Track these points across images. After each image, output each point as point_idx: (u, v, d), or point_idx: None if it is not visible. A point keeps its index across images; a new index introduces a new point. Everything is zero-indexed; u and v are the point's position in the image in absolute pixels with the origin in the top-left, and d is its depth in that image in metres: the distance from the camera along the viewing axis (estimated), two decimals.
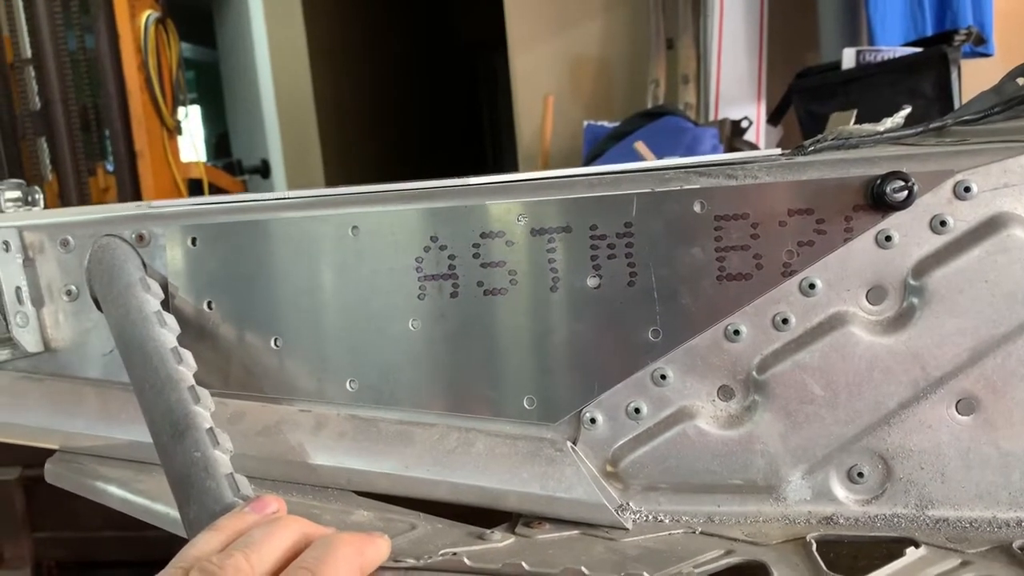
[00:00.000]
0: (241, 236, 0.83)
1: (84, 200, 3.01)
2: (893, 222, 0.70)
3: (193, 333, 0.84)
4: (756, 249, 0.72)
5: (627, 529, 0.75)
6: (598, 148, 2.78)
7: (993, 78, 0.90)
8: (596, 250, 0.75)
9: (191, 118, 3.86)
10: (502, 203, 0.77)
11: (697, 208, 0.73)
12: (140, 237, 0.85)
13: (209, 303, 0.84)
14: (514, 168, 3.87)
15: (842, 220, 0.71)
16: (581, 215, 0.75)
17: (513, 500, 0.77)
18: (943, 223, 0.69)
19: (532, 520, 0.77)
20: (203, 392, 0.72)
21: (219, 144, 5.51)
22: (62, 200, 2.99)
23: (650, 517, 0.76)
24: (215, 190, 3.54)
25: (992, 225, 0.68)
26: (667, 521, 0.76)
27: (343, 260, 0.81)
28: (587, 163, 2.79)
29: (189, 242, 0.84)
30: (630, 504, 0.77)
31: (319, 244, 0.81)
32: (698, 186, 0.73)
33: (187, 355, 0.75)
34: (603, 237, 0.75)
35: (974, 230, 0.69)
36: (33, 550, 2.25)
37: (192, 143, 3.54)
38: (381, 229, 0.80)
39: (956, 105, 2.03)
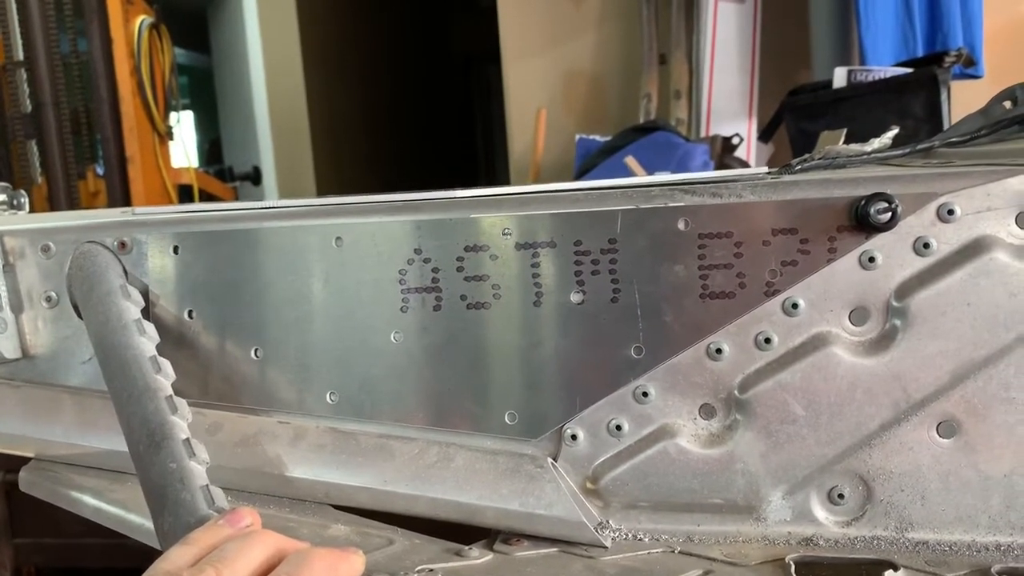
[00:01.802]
0: (223, 245, 0.83)
1: (73, 204, 3.00)
2: (877, 243, 0.70)
3: (173, 342, 0.83)
4: (739, 268, 0.72)
5: (606, 547, 0.74)
6: (589, 162, 2.79)
7: (982, 99, 0.91)
8: (580, 266, 0.75)
9: (183, 123, 3.85)
10: (487, 217, 0.77)
11: (681, 226, 0.73)
12: (122, 244, 0.84)
13: (190, 312, 0.83)
14: (507, 179, 3.87)
15: (826, 240, 0.71)
16: (566, 230, 0.75)
17: (492, 516, 0.77)
18: (926, 245, 0.69)
19: (511, 537, 0.76)
20: (181, 402, 0.71)
21: (211, 150, 5.50)
22: (51, 203, 2.98)
23: (629, 535, 0.76)
24: (205, 196, 3.53)
25: (975, 248, 0.68)
26: (646, 540, 0.75)
27: (326, 271, 0.80)
28: (578, 176, 2.79)
29: (171, 250, 0.83)
30: (610, 522, 0.76)
31: (302, 254, 0.81)
32: (683, 204, 0.73)
33: (166, 364, 0.74)
34: (587, 253, 0.75)
35: (957, 253, 0.69)
36: (13, 556, 2.23)
37: (184, 149, 3.52)
38: (365, 240, 0.79)
39: (945, 126, 2.04)
